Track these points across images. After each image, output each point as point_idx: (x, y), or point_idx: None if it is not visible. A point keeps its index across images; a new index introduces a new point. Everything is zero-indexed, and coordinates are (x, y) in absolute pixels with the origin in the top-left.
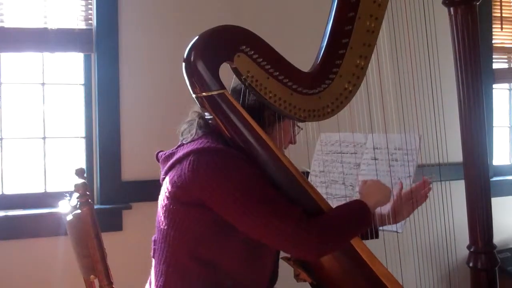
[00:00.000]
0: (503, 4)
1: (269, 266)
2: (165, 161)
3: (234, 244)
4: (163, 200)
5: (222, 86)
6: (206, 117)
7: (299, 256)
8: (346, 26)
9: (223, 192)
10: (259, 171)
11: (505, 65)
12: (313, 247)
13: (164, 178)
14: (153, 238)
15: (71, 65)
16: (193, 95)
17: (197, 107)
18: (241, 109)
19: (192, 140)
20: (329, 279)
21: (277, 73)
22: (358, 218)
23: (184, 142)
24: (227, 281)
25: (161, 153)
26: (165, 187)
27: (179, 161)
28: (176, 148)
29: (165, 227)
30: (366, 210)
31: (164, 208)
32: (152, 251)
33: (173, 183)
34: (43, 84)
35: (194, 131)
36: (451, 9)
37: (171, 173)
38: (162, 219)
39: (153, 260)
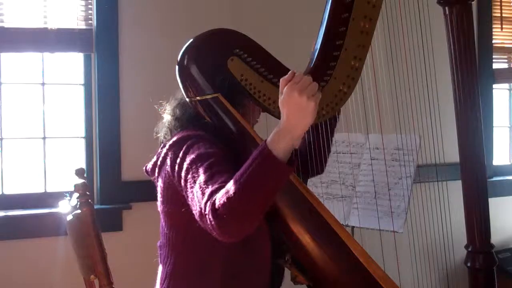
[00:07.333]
0: (503, 4)
1: (266, 255)
2: (153, 169)
3: None
4: (160, 205)
5: (215, 90)
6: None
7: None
8: (340, 28)
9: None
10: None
11: (505, 65)
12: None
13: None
14: (158, 244)
15: (71, 65)
16: (187, 99)
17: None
18: (234, 111)
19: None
20: (325, 281)
21: (271, 76)
22: (266, 173)
23: (165, 143)
24: (230, 274)
25: (147, 165)
26: (159, 192)
27: (163, 161)
28: (159, 152)
29: (166, 230)
30: (271, 159)
31: (163, 213)
32: (159, 256)
33: (163, 186)
34: (43, 84)
35: (169, 131)
36: (446, 8)
37: (161, 175)
38: (163, 223)
39: (159, 266)
